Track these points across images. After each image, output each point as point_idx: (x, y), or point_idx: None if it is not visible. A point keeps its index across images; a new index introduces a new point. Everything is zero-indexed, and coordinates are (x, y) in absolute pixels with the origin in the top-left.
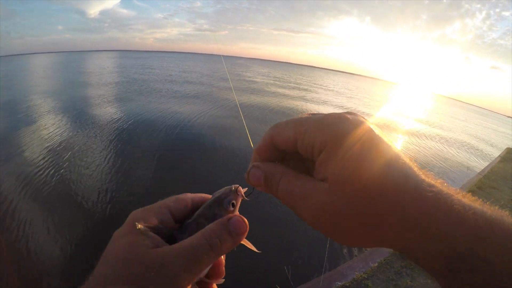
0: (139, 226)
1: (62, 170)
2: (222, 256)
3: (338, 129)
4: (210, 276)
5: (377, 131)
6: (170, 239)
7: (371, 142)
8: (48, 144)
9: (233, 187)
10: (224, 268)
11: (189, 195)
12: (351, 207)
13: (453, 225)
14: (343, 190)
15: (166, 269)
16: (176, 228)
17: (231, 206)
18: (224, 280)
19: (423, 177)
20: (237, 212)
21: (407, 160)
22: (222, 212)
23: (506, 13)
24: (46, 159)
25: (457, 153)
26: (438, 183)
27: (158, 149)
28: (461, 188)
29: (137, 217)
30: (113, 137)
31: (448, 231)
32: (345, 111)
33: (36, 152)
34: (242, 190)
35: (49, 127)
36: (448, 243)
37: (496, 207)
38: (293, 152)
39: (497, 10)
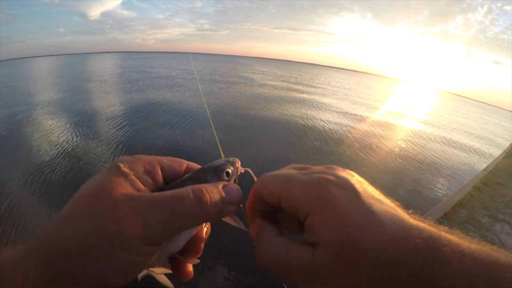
0: (122, 166)
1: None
2: (204, 231)
3: (322, 194)
4: (186, 253)
5: (360, 187)
6: None
7: (358, 202)
8: (55, 143)
9: (230, 159)
10: (203, 246)
11: (186, 161)
12: (348, 268)
13: (453, 271)
14: (340, 253)
15: (137, 213)
16: (162, 186)
17: (225, 175)
18: (199, 260)
19: (413, 222)
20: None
21: (395, 210)
22: (215, 179)
23: (508, 7)
24: (52, 157)
25: (462, 150)
26: (427, 227)
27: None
28: (467, 185)
29: (123, 160)
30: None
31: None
32: (328, 168)
33: (42, 150)
34: (239, 164)
35: (56, 129)
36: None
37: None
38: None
39: (499, 4)
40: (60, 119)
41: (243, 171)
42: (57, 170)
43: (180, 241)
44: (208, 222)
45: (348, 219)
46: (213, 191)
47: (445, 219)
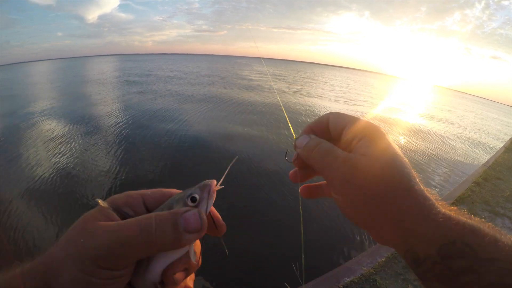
0: (100, 202)
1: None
2: (184, 263)
3: (376, 130)
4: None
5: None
6: None
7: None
8: (53, 146)
9: (203, 182)
10: (180, 276)
11: (175, 190)
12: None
13: (446, 219)
14: (378, 161)
15: (92, 239)
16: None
17: (189, 201)
18: None
19: (421, 187)
20: (201, 209)
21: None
22: (181, 206)
23: (506, 2)
24: (51, 161)
25: (461, 145)
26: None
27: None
28: (467, 180)
29: (111, 197)
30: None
31: (442, 223)
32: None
33: (40, 156)
34: (214, 185)
35: (55, 130)
36: (443, 233)
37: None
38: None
39: None
40: (67, 127)
41: (217, 188)
42: (57, 179)
43: (154, 272)
44: (162, 250)
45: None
46: (164, 219)
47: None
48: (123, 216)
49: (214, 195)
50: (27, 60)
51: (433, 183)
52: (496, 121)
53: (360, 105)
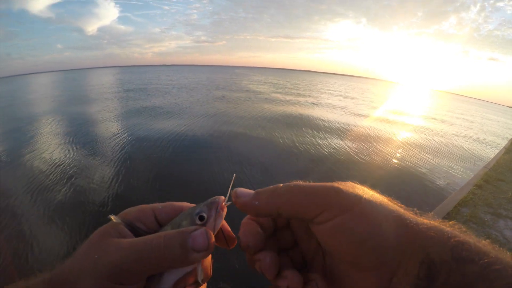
0: (112, 218)
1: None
2: (195, 275)
3: (336, 193)
4: None
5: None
6: None
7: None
8: (54, 158)
9: (210, 200)
10: None
11: (186, 204)
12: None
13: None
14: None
15: (106, 256)
16: (152, 232)
17: (198, 219)
18: None
19: (409, 214)
20: (209, 227)
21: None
22: (188, 224)
23: (501, 4)
24: (51, 172)
25: (461, 148)
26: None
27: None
28: (468, 183)
29: (123, 212)
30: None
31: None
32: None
33: (39, 167)
34: (222, 203)
35: (54, 142)
36: (452, 234)
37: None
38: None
39: (491, 1)
40: (65, 135)
41: (226, 205)
42: (64, 190)
43: (165, 284)
44: (171, 268)
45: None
46: (172, 239)
47: (447, 219)
48: (135, 231)
49: (224, 211)
50: (28, 72)
51: (434, 188)
52: (495, 122)
53: (358, 113)
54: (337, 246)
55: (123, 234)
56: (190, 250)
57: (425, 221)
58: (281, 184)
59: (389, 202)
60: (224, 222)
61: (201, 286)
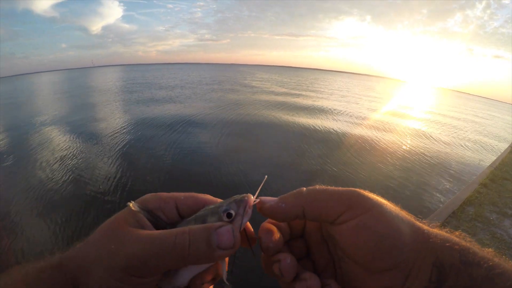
0: (131, 205)
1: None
2: (213, 273)
3: (359, 197)
4: None
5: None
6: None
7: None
8: (60, 152)
9: (239, 196)
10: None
11: (208, 197)
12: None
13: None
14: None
15: (124, 247)
16: (173, 222)
17: (225, 216)
18: None
19: (419, 224)
20: (236, 224)
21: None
22: (215, 220)
23: (506, 1)
24: (58, 164)
25: (466, 147)
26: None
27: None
28: (473, 182)
29: (142, 199)
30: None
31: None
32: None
33: (47, 160)
34: (251, 202)
35: (64, 140)
36: (459, 240)
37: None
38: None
39: None
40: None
41: (255, 202)
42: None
43: (182, 278)
44: (194, 264)
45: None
46: (198, 235)
47: (453, 218)
48: (155, 220)
49: (250, 211)
50: (33, 71)
51: (439, 187)
52: (501, 121)
53: (361, 111)
54: (357, 244)
55: (142, 224)
56: (216, 248)
57: (434, 229)
58: (304, 188)
59: (401, 210)
60: (250, 227)
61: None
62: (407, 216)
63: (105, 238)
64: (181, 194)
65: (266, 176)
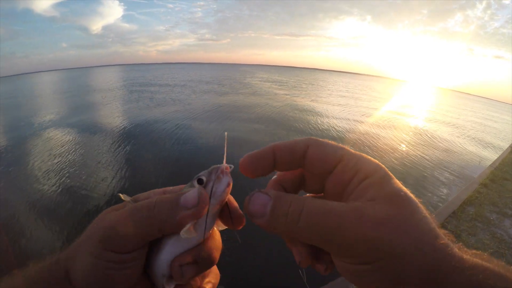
0: (122, 196)
1: (70, 173)
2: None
3: (384, 168)
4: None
5: None
6: None
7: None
8: (58, 151)
9: (212, 166)
10: (186, 272)
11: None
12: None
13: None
14: (403, 207)
15: (101, 222)
16: None
17: (196, 182)
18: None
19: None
20: (207, 190)
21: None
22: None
23: (507, 1)
24: (57, 163)
25: (466, 147)
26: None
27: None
28: (474, 182)
29: (135, 196)
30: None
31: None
32: None
33: (46, 159)
34: (223, 168)
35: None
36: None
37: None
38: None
39: None
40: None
41: (229, 169)
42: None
43: (162, 263)
44: (163, 229)
45: (409, 195)
46: (165, 199)
47: (453, 218)
48: None
49: (228, 179)
50: (33, 71)
51: (440, 186)
52: (501, 121)
53: (360, 111)
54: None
55: None
56: (180, 208)
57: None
58: None
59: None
60: (232, 198)
61: (205, 277)
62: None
63: (92, 224)
64: (171, 187)
65: (226, 133)
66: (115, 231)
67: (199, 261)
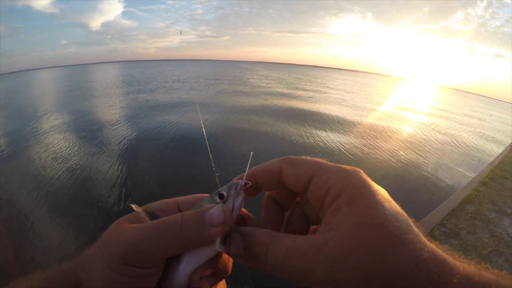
0: (134, 207)
1: (73, 172)
2: (210, 269)
3: (359, 180)
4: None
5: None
6: None
7: (389, 203)
8: (59, 150)
9: (232, 181)
10: (206, 284)
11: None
12: (358, 257)
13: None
14: (366, 235)
15: (120, 237)
16: None
17: (217, 198)
18: None
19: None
20: (228, 205)
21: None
22: (208, 204)
23: (508, 0)
24: (58, 164)
25: (466, 145)
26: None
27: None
28: (473, 180)
29: (146, 205)
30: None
31: None
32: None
33: (45, 160)
34: (241, 184)
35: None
36: None
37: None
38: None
39: None
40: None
41: (247, 184)
42: (68, 172)
43: (181, 274)
44: (188, 246)
45: (380, 214)
46: (190, 215)
47: (452, 216)
48: (153, 217)
49: (243, 194)
50: (33, 68)
51: (439, 184)
52: (501, 120)
53: (362, 107)
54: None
55: (143, 222)
56: (207, 225)
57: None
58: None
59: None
60: (245, 211)
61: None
62: (413, 225)
63: (106, 235)
64: (184, 197)
65: (251, 153)
66: (138, 247)
67: (216, 272)
